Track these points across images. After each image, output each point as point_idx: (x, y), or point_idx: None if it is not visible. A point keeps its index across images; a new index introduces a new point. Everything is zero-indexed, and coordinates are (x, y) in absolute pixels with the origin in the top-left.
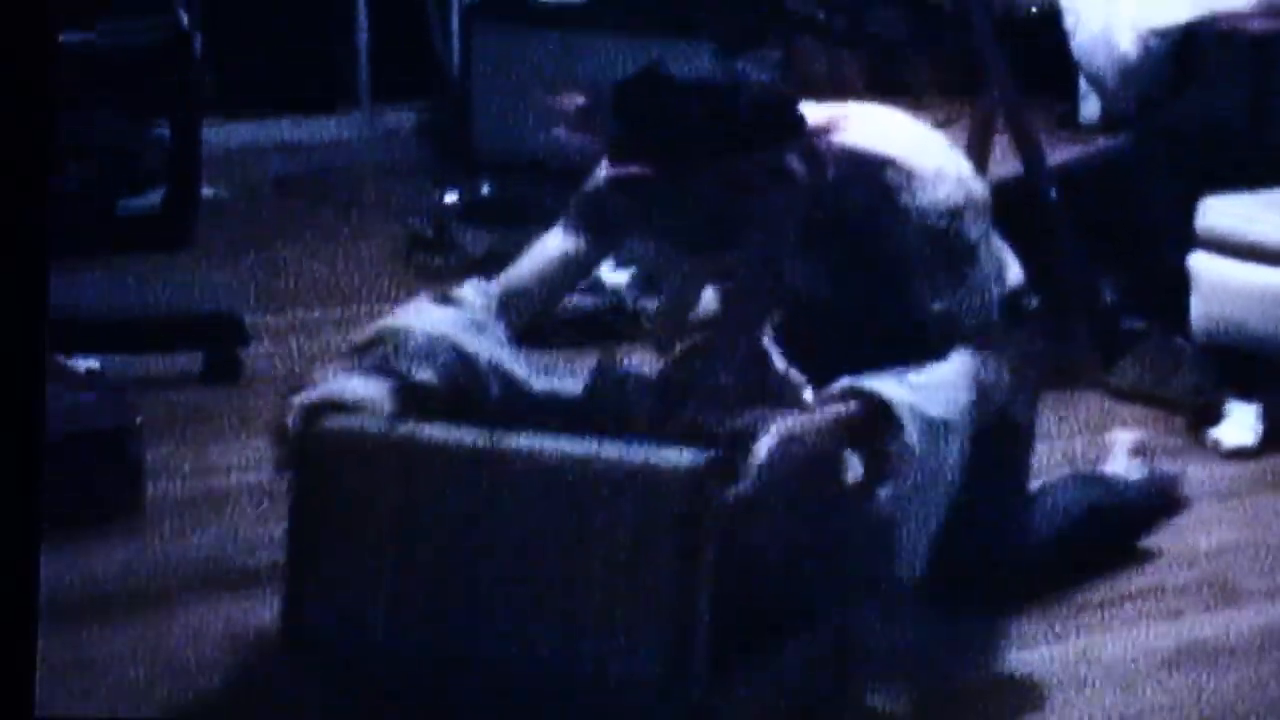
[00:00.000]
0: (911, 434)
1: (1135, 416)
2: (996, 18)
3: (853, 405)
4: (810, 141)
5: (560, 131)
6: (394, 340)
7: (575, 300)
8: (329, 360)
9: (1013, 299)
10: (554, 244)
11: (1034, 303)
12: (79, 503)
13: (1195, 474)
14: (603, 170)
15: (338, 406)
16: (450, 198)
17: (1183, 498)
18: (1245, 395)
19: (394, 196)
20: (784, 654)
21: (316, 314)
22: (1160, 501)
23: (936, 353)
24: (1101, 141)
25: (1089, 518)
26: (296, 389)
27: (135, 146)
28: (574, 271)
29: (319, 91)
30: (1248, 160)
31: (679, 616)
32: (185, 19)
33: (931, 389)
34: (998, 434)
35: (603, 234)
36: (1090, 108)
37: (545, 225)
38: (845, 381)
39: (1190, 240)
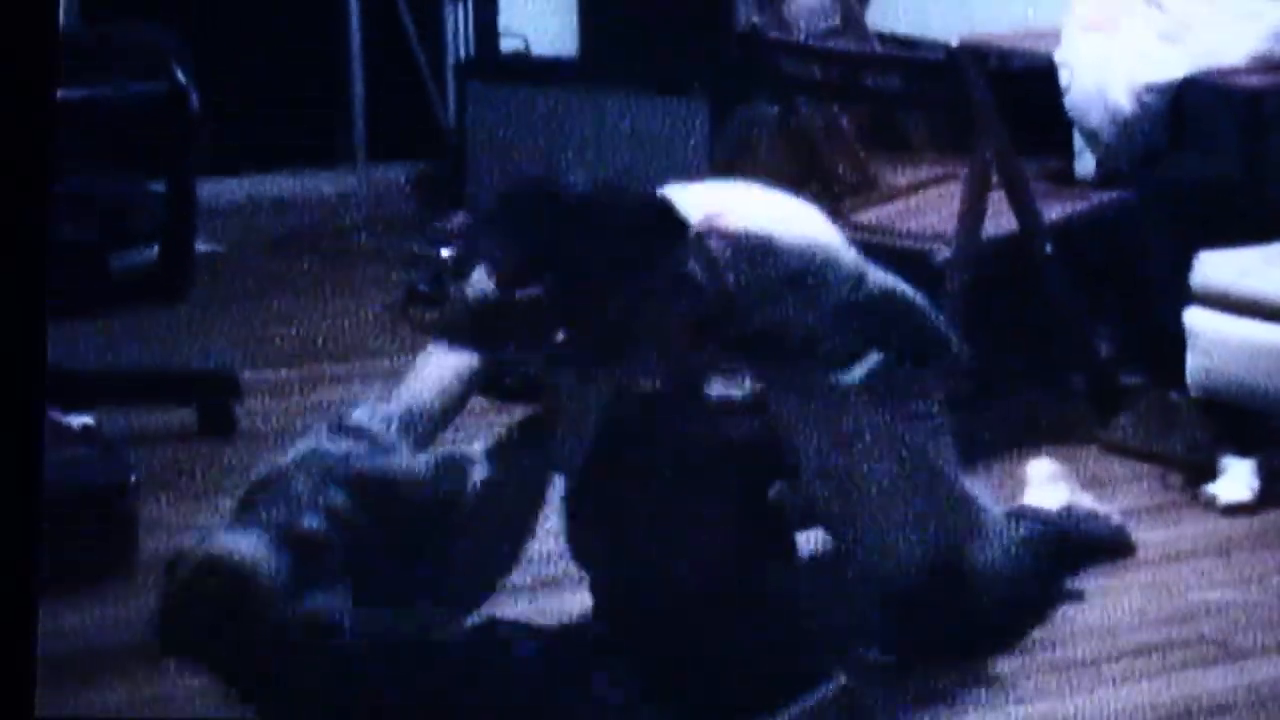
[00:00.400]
0: None
1: (1132, 473)
2: (991, 73)
3: None
4: (698, 240)
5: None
6: (275, 488)
7: None
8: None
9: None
10: (446, 360)
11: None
12: (72, 558)
13: (1191, 530)
14: (479, 284)
15: (217, 569)
16: (445, 252)
17: (1122, 536)
18: (1242, 451)
19: (389, 251)
20: (789, 712)
21: (312, 369)
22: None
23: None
24: (1097, 197)
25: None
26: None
27: (131, 202)
28: (471, 383)
29: (314, 147)
30: (1244, 215)
31: None
32: (182, 76)
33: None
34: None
35: (492, 346)
36: (1085, 163)
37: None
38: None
39: (1186, 295)
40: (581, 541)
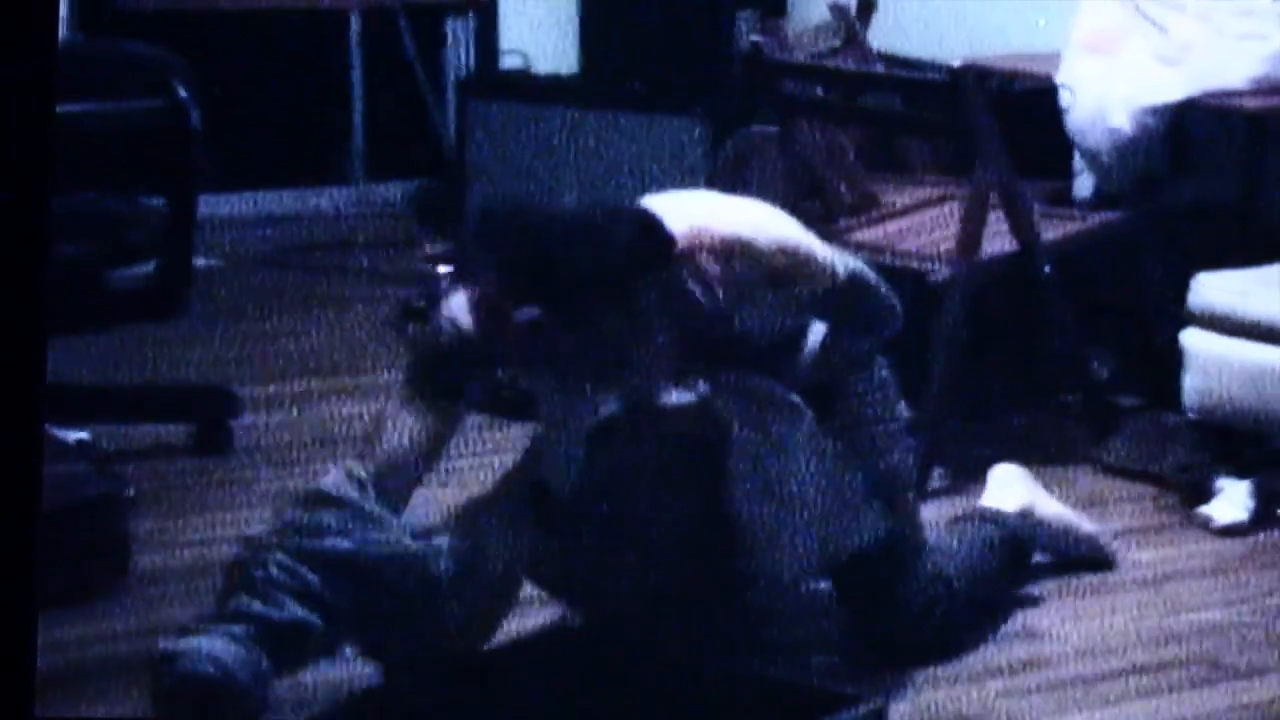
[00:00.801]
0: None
1: (1127, 493)
2: (992, 94)
3: None
4: (687, 253)
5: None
6: (251, 573)
7: None
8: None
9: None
10: (413, 418)
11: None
12: (67, 573)
13: (1186, 551)
14: (453, 316)
15: (192, 685)
16: (443, 270)
17: (1096, 546)
18: (1237, 473)
19: (387, 268)
20: None
21: (309, 385)
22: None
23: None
24: (1096, 218)
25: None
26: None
27: (129, 217)
28: (442, 437)
29: (313, 164)
30: (1242, 237)
31: None
32: (183, 92)
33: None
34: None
35: (456, 399)
36: (1084, 184)
37: None
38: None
39: (1183, 317)
40: (558, 562)
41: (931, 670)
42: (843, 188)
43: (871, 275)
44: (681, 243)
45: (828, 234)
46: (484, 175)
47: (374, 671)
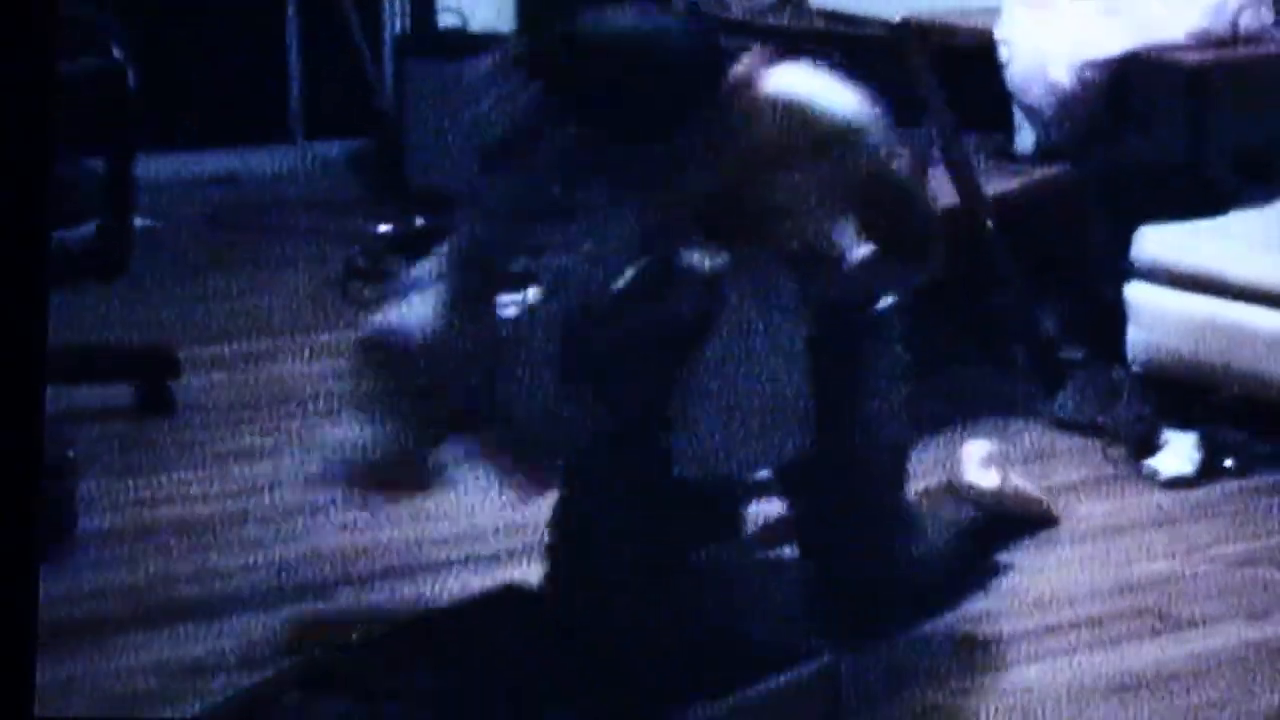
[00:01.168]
0: None
1: (1074, 446)
2: (933, 49)
3: None
4: (739, 89)
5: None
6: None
7: None
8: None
9: None
10: None
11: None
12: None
13: (1134, 503)
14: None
15: None
16: (384, 229)
17: (1049, 514)
18: (1183, 425)
19: (328, 228)
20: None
21: (251, 345)
22: (1027, 514)
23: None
24: (1038, 172)
25: (963, 535)
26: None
27: (67, 178)
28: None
29: (253, 124)
30: (1184, 190)
31: None
32: (119, 52)
33: None
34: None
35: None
36: (1025, 139)
37: None
38: None
39: (1127, 270)
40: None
41: (883, 626)
42: None
43: (924, 199)
44: (738, 70)
45: None
46: (420, 133)
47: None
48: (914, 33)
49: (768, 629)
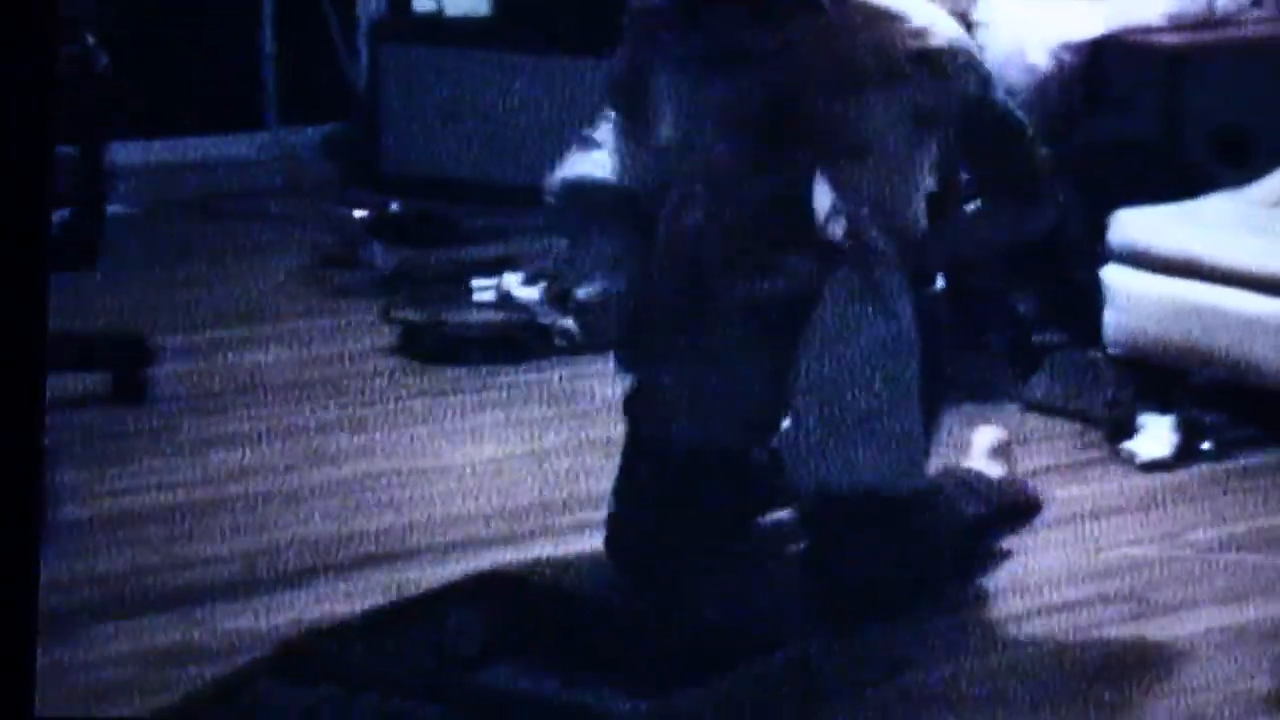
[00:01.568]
0: None
1: (1051, 430)
2: None
3: None
4: None
5: None
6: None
7: (485, 316)
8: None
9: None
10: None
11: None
12: None
13: (1111, 487)
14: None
15: None
16: (358, 215)
17: (1039, 501)
18: (1160, 408)
19: (302, 214)
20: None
21: (224, 333)
22: (1022, 507)
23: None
24: None
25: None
26: None
27: None
28: None
29: (226, 110)
30: (1161, 173)
31: None
32: (91, 38)
33: None
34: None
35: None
36: None
37: (453, 242)
38: None
39: (1103, 253)
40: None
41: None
42: None
43: (1030, 134)
44: None
45: None
46: (396, 119)
47: None
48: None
49: (757, 615)
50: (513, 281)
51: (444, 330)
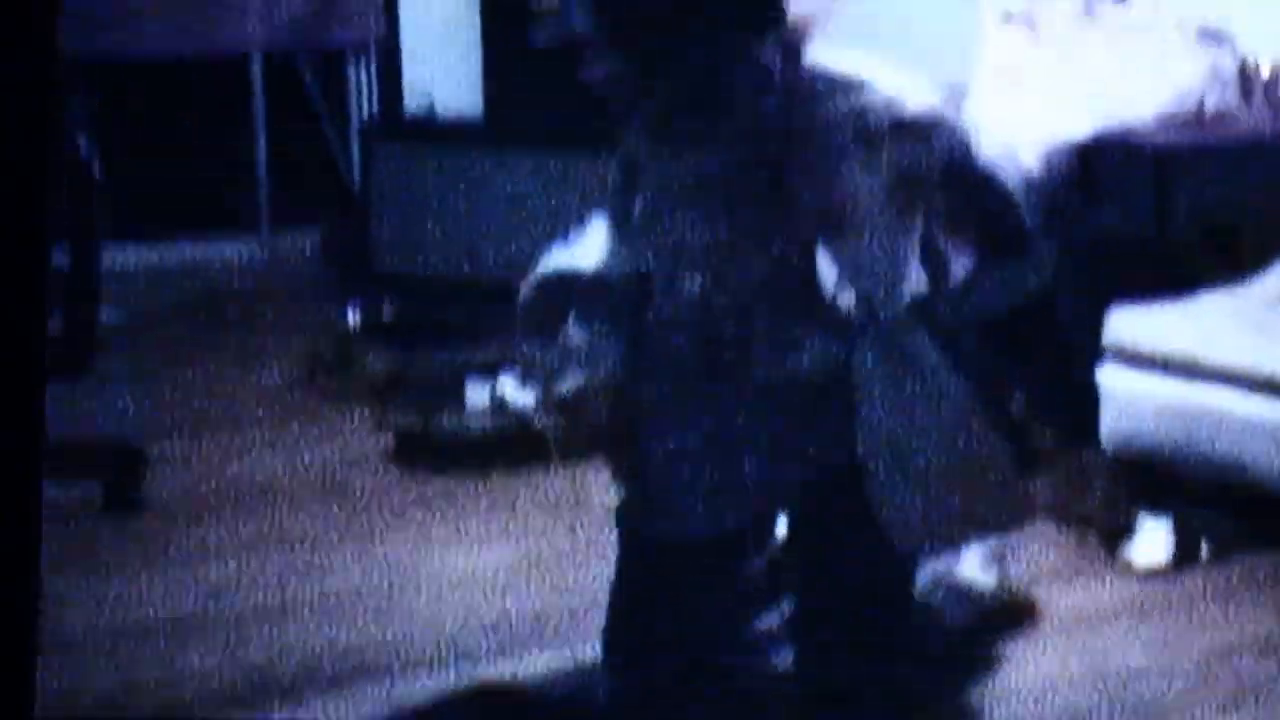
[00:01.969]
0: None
1: (1048, 534)
2: None
3: None
4: (789, 36)
5: (539, 35)
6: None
7: (479, 420)
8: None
9: None
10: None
11: None
12: None
13: (1108, 593)
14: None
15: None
16: (351, 317)
17: (1034, 608)
18: (1157, 510)
19: (294, 317)
20: None
21: (218, 439)
22: (1016, 613)
23: None
24: None
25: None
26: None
27: None
28: None
29: (219, 213)
30: (1155, 271)
31: None
32: (84, 142)
33: None
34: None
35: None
36: None
37: (447, 344)
38: None
39: (1100, 353)
40: None
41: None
42: None
43: (1012, 189)
44: (796, 19)
45: None
46: (389, 220)
47: None
48: None
49: None
50: (507, 384)
51: (438, 436)
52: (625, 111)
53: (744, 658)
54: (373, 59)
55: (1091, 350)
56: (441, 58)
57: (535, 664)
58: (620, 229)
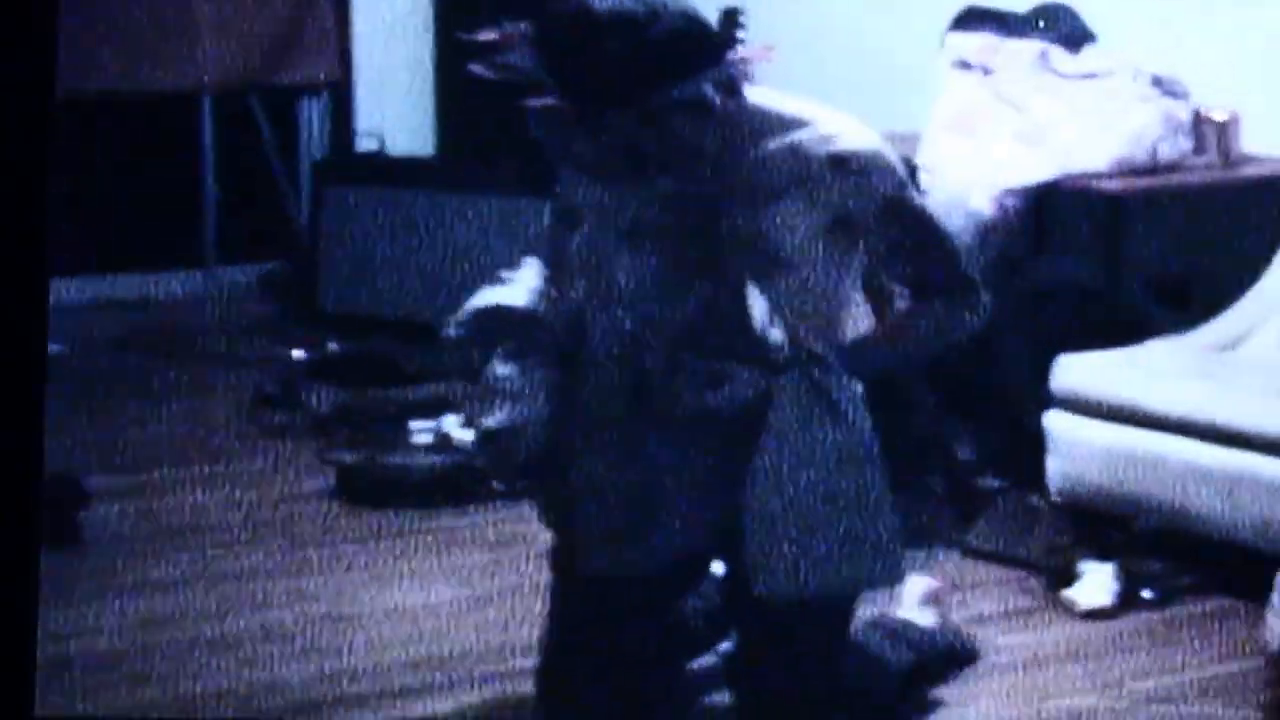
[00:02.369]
0: None
1: (992, 577)
2: None
3: None
4: (729, 72)
5: (477, 66)
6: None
7: (422, 458)
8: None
9: None
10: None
11: None
12: None
13: (1051, 636)
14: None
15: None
16: (297, 355)
17: (975, 650)
18: (1101, 555)
19: (240, 354)
20: None
21: (160, 474)
22: (957, 655)
23: None
24: None
25: (898, 676)
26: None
27: None
28: None
29: (164, 247)
30: (1103, 318)
31: None
32: None
33: None
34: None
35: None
36: None
37: (392, 383)
38: None
39: (1046, 399)
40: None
41: None
42: None
43: (950, 234)
44: (732, 58)
45: None
46: (336, 258)
47: None
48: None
49: None
50: (452, 424)
51: (381, 473)
52: (563, 152)
53: (679, 699)
54: (324, 98)
55: (1038, 395)
56: (394, 98)
57: (471, 701)
58: (555, 269)
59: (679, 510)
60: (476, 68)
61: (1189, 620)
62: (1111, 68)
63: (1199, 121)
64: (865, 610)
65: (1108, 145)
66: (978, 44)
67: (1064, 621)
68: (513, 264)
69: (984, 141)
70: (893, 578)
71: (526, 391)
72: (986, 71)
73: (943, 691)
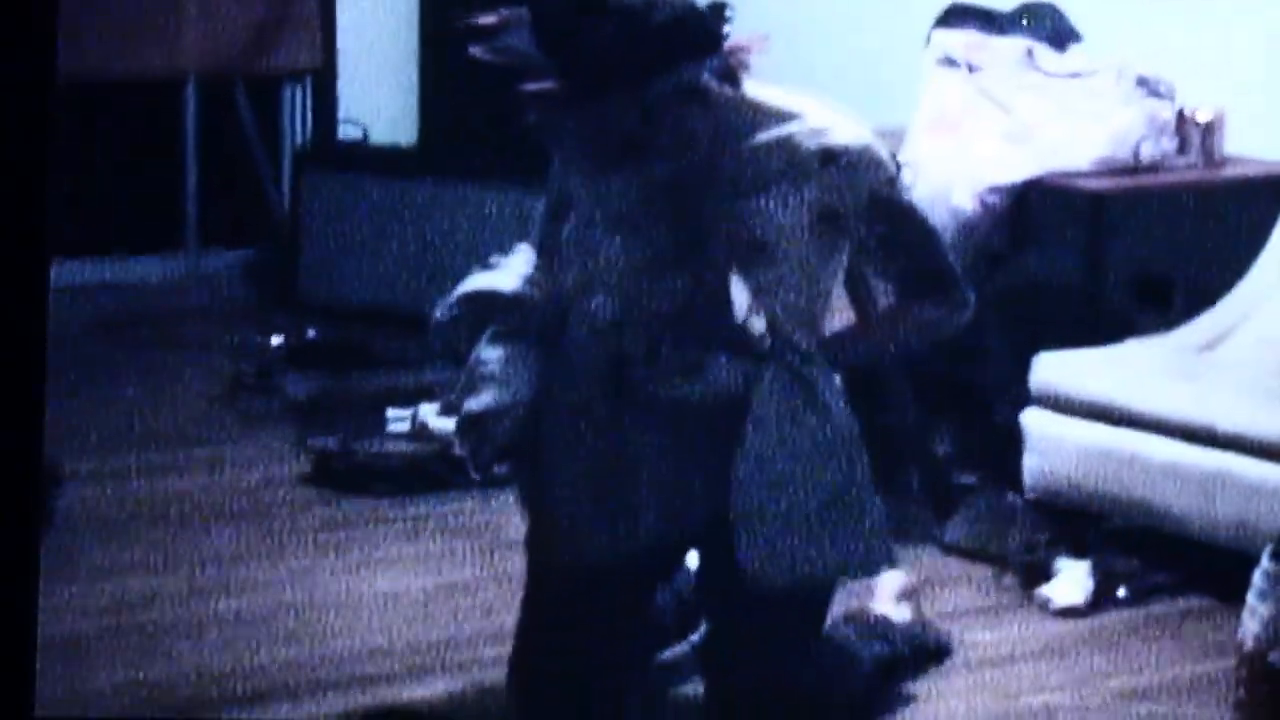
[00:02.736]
0: None
1: (967, 573)
2: None
3: None
4: (726, 60)
5: (476, 49)
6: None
7: (399, 446)
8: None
9: None
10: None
11: None
12: None
13: (1025, 632)
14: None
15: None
16: (275, 341)
17: (948, 647)
18: (1077, 553)
19: (218, 339)
20: None
21: (135, 458)
22: (930, 650)
23: None
24: None
25: (872, 669)
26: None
27: None
28: None
29: (145, 231)
30: (1083, 317)
31: None
32: None
33: None
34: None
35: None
36: None
37: (370, 370)
38: None
39: (1024, 396)
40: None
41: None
42: None
43: (938, 231)
44: (727, 48)
45: None
46: (316, 245)
47: None
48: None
49: None
50: (429, 412)
51: (358, 460)
52: (557, 136)
53: (652, 687)
54: (308, 85)
55: (1016, 393)
56: (377, 87)
57: (443, 689)
58: (546, 256)
59: (657, 498)
60: (476, 50)
61: (1163, 619)
62: (1096, 67)
63: (1182, 122)
64: (840, 604)
65: (1091, 144)
66: (963, 41)
67: (1038, 618)
68: (501, 251)
69: (967, 138)
70: (876, 565)
71: (511, 376)
72: (971, 69)
73: (915, 686)
